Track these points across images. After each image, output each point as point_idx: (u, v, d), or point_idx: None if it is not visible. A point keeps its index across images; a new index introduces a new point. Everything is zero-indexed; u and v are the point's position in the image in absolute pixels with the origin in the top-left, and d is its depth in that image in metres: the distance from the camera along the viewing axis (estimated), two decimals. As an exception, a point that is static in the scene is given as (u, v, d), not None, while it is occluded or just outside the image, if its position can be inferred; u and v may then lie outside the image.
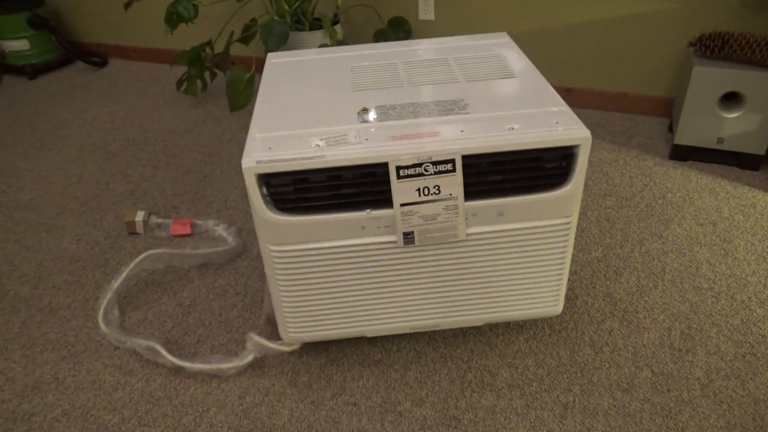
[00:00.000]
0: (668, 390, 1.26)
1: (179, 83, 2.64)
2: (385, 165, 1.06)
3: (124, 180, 2.15)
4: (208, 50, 2.99)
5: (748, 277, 1.53)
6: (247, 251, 1.74)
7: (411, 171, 1.06)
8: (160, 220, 1.85)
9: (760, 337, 1.37)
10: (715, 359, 1.32)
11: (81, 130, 2.55)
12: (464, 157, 1.06)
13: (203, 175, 2.14)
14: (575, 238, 1.71)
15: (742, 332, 1.38)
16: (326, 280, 1.18)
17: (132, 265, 1.60)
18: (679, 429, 1.18)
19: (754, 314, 1.43)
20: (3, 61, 3.15)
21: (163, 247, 1.77)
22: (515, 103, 1.17)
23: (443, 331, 1.43)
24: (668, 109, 2.31)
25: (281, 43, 2.23)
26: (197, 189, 2.06)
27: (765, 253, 1.61)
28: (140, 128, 2.53)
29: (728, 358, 1.32)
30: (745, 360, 1.32)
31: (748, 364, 1.31)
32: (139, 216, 1.83)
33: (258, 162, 1.05)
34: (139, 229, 1.83)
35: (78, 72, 3.20)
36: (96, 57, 3.23)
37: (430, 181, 1.07)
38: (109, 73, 3.16)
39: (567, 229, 1.17)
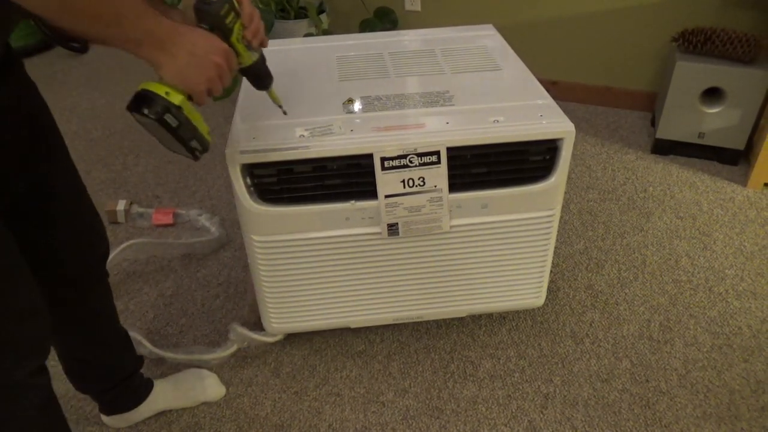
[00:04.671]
0: (647, 380, 1.28)
1: (162, 71, 2.60)
2: (369, 156, 1.05)
3: (105, 168, 2.12)
4: (191, 38, 2.94)
5: (726, 270, 1.56)
6: (230, 241, 1.73)
7: (396, 162, 1.06)
8: (141, 210, 1.83)
9: (736, 329, 1.39)
10: (693, 350, 1.35)
11: (61, 118, 2.51)
12: (449, 149, 1.06)
13: (186, 165, 2.11)
14: (558, 231, 1.72)
15: (719, 324, 1.41)
16: (310, 270, 1.18)
17: (113, 254, 1.58)
18: (657, 418, 1.21)
19: (731, 306, 1.45)
20: (-20, 46, 3.08)
21: (145, 236, 1.75)
22: (500, 96, 1.17)
23: (427, 322, 1.43)
24: (651, 104, 2.33)
25: (266, 32, 2.21)
26: (180, 178, 2.04)
27: (742, 247, 1.64)
28: (122, 116, 2.49)
29: (705, 349, 1.35)
30: (721, 351, 1.34)
31: (724, 355, 1.33)
32: (121, 205, 1.81)
33: (242, 152, 1.04)
34: (121, 218, 1.81)
35: (58, 58, 3.14)
36: (77, 43, 3.17)
37: (414, 173, 1.07)
38: (90, 59, 3.10)
39: (550, 221, 1.18)
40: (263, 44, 0.91)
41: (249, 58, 0.89)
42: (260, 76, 0.96)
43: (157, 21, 0.71)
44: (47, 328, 0.80)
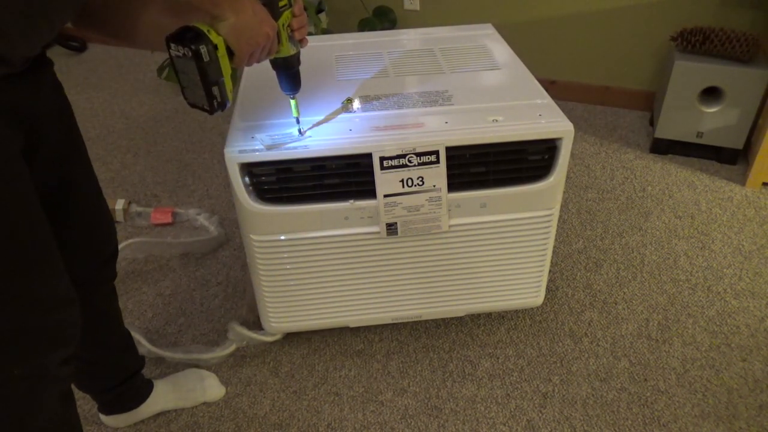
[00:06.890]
0: (645, 380, 1.29)
1: (160, 69, 2.60)
2: (368, 156, 1.05)
3: (104, 168, 2.12)
4: (190, 36, 2.94)
5: (724, 270, 1.56)
6: (229, 241, 1.72)
7: (395, 162, 1.06)
8: (140, 209, 1.83)
9: (734, 328, 1.40)
10: (691, 349, 1.35)
11: (59, 116, 2.50)
12: (448, 149, 1.06)
13: (185, 164, 2.11)
14: (557, 230, 1.72)
15: (718, 323, 1.41)
16: (309, 270, 1.18)
17: (112, 254, 1.57)
18: (655, 417, 1.21)
19: (729, 305, 1.46)
20: (-22, 44, 3.07)
21: (144, 236, 1.75)
22: (499, 95, 1.17)
23: (425, 321, 1.44)
24: (649, 103, 2.33)
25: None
26: (179, 177, 2.04)
27: (741, 246, 1.64)
28: (120, 115, 2.49)
29: (703, 349, 1.35)
30: (719, 350, 1.35)
31: (722, 354, 1.34)
32: (119, 204, 1.81)
33: (241, 151, 1.04)
34: (119, 217, 1.81)
35: (56, 57, 3.14)
36: (75, 41, 3.16)
37: (413, 173, 1.07)
38: (89, 58, 3.10)
39: (549, 221, 1.18)
40: (303, 42, 0.97)
41: (288, 50, 0.94)
42: (292, 75, 0.99)
43: None
44: (79, 318, 0.80)
